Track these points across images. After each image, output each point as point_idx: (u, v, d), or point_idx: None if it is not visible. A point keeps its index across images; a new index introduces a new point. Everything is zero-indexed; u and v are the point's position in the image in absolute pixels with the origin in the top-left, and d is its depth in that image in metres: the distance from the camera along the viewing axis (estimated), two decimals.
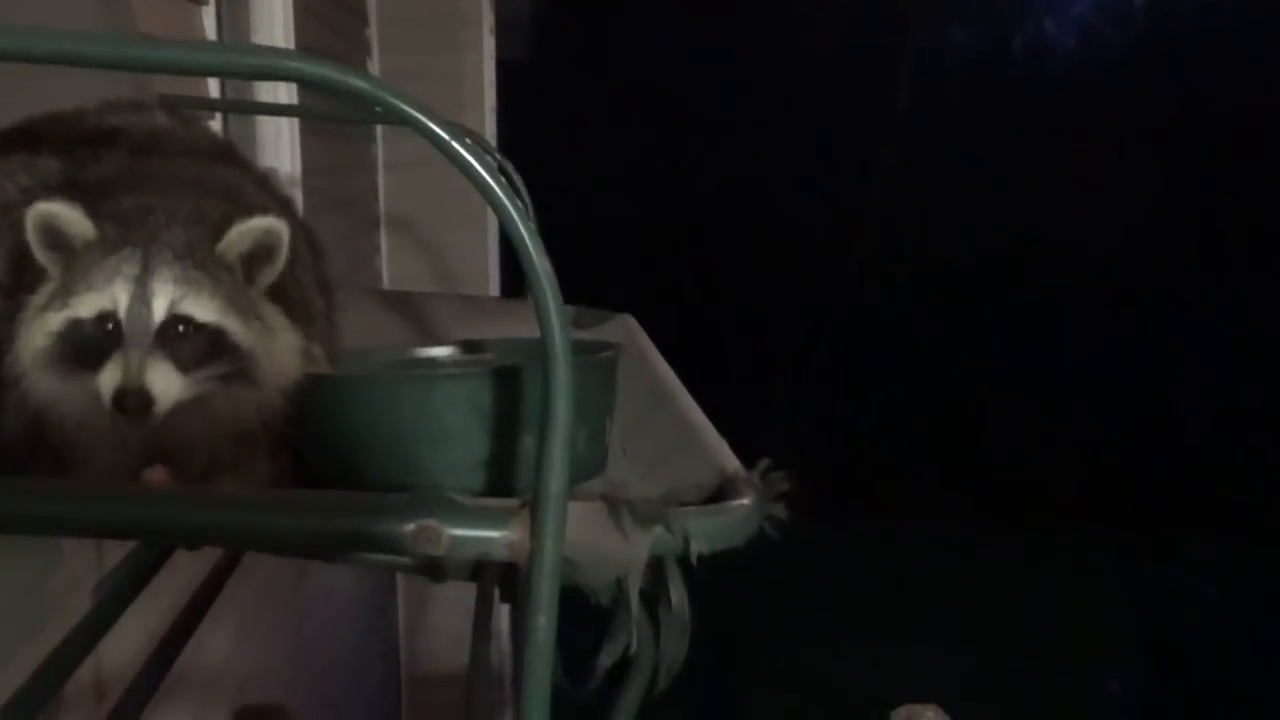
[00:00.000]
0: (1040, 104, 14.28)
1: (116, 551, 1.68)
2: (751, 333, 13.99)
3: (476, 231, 5.50)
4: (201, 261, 0.99)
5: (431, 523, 0.78)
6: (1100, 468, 11.73)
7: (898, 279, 14.17)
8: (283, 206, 1.19)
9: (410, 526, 0.78)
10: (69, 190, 1.05)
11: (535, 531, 0.75)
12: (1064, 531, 10.22)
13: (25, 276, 1.02)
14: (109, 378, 0.94)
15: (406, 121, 0.75)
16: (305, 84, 0.76)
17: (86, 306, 0.96)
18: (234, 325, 1.00)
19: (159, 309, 0.96)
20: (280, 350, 1.04)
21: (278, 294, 1.04)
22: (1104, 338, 13.20)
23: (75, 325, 0.97)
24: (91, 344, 0.96)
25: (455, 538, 0.78)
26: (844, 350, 13.87)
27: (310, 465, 1.05)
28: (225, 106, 2.35)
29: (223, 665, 2.62)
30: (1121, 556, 10.04)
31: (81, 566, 1.86)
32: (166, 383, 0.95)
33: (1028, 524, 10.36)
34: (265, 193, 1.20)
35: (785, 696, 7.08)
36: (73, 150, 1.13)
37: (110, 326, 0.96)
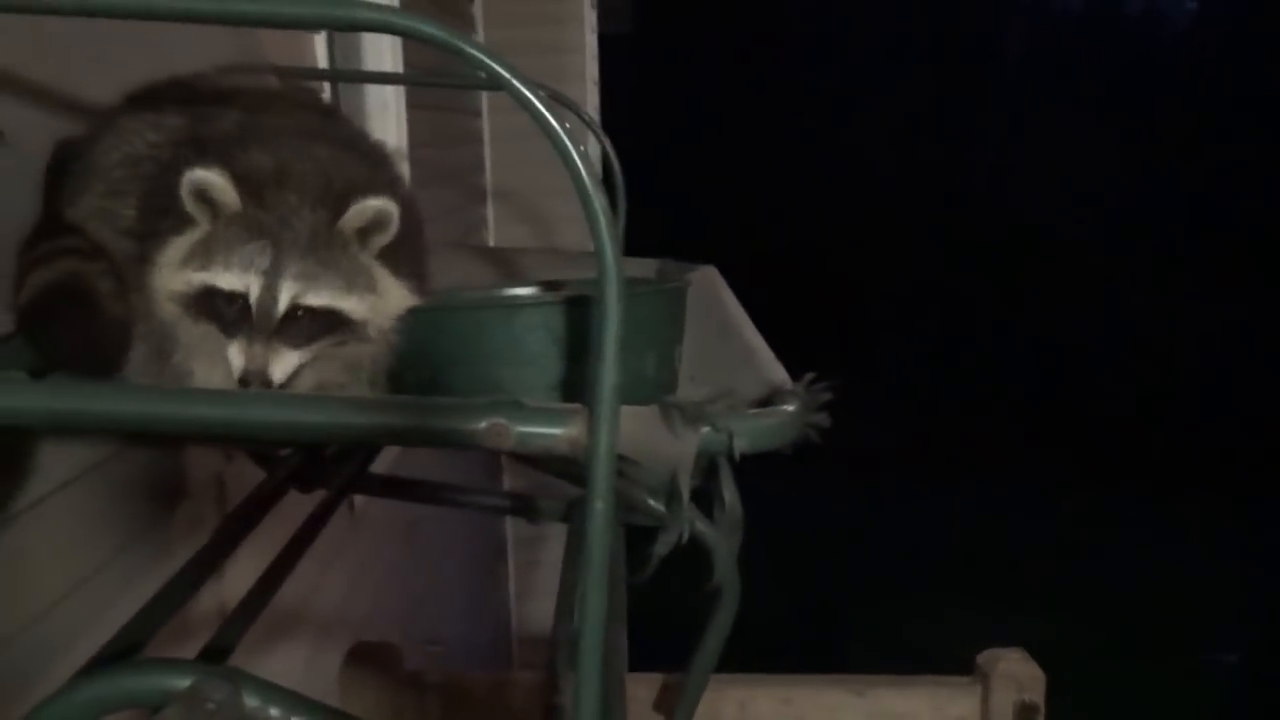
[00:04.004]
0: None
1: (238, 496, 1.83)
2: (846, 300, 13.92)
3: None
4: (324, 248, 1.10)
5: (501, 420, 0.87)
6: (1204, 429, 11.48)
7: (992, 246, 13.98)
8: (387, 164, 1.29)
9: (483, 424, 0.88)
10: (194, 145, 1.16)
11: (592, 428, 0.83)
12: (1165, 495, 10.04)
13: (155, 222, 1.14)
14: (236, 354, 1.07)
15: (478, 68, 0.83)
16: (406, 36, 0.85)
17: (224, 281, 1.08)
18: (348, 304, 1.11)
19: (284, 302, 1.08)
20: (392, 307, 1.15)
21: (386, 255, 1.15)
22: (1204, 299, 12.91)
23: (211, 292, 1.09)
24: (224, 310, 1.09)
25: (521, 434, 0.87)
26: (940, 317, 13.76)
27: (403, 389, 1.16)
28: (334, 76, 2.47)
29: (338, 609, 2.78)
30: (1224, 517, 9.84)
31: (206, 507, 2.01)
32: (285, 365, 1.08)
33: (1128, 490, 10.19)
34: (371, 144, 1.31)
35: (881, 656, 7.10)
36: (194, 108, 1.25)
37: (240, 305, 1.08)
